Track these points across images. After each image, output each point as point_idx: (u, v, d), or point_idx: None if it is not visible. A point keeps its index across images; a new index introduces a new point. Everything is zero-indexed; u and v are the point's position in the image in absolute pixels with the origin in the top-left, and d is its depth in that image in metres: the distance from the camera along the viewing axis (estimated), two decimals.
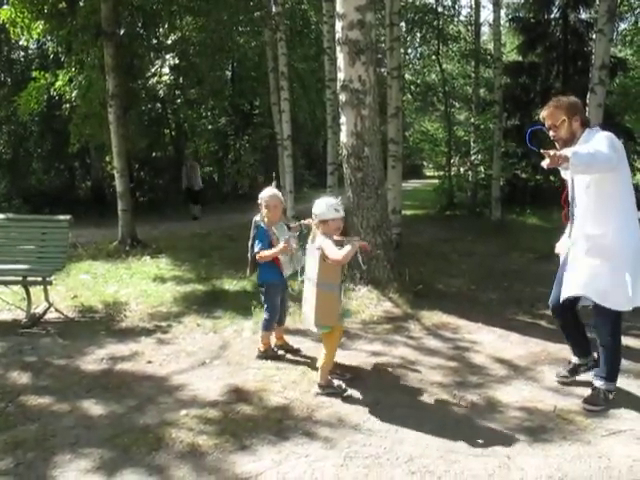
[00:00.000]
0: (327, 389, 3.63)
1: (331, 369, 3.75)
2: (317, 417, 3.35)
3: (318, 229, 3.62)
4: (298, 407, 3.47)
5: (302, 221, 4.19)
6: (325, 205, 3.58)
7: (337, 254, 3.43)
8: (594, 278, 3.32)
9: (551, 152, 3.01)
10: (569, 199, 3.56)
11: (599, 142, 3.21)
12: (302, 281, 3.81)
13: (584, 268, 3.37)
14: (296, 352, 4.39)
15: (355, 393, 3.67)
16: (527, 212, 13.27)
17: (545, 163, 3.04)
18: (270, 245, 4.09)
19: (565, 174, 3.57)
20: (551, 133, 3.49)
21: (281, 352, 4.39)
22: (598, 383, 3.49)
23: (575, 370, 3.82)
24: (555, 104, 3.46)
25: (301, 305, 3.88)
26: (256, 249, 4.09)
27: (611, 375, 3.47)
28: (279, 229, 4.17)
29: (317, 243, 3.57)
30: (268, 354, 4.29)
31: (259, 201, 4.18)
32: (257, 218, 4.19)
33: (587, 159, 3.03)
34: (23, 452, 2.98)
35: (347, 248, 3.46)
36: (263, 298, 4.30)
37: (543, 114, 3.52)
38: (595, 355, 3.71)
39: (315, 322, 3.58)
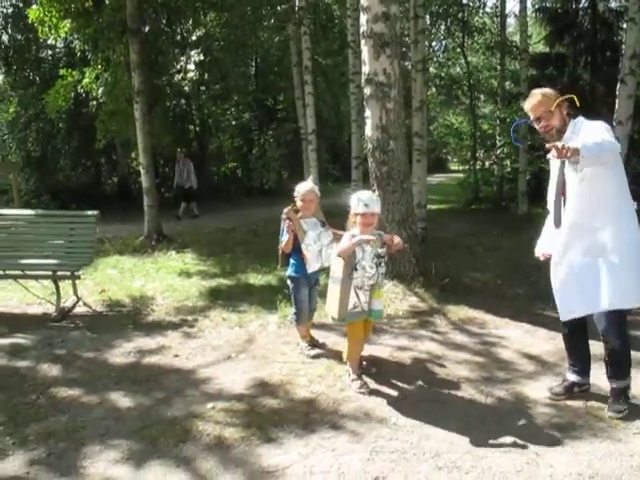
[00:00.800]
0: (354, 382, 3.64)
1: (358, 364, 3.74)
2: (343, 411, 3.35)
3: (353, 223, 3.62)
4: (324, 401, 3.48)
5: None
6: (356, 199, 3.55)
7: (339, 246, 3.51)
8: (611, 285, 3.08)
9: (558, 144, 2.81)
10: (555, 196, 3.31)
11: (598, 130, 3.05)
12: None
13: (598, 276, 3.11)
14: (322, 346, 4.38)
15: (381, 387, 3.65)
16: (540, 205, 13.07)
17: (552, 155, 2.84)
18: (294, 238, 4.05)
19: (554, 167, 3.33)
20: (542, 124, 3.24)
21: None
22: (615, 384, 3.27)
23: (570, 388, 3.48)
24: (543, 92, 3.26)
25: (325, 300, 3.87)
26: (283, 238, 4.08)
27: (626, 371, 3.26)
28: (310, 224, 4.10)
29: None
30: (310, 343, 4.32)
31: (295, 194, 4.14)
32: (286, 210, 4.09)
33: (597, 150, 2.84)
34: (55, 442, 3.04)
35: (344, 243, 3.49)
36: (290, 292, 4.31)
37: (532, 103, 3.26)
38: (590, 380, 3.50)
39: (326, 312, 3.79)
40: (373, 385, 3.69)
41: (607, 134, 3.02)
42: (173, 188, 14.92)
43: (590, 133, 3.03)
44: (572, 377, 3.50)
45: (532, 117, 3.29)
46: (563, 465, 2.76)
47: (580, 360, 3.48)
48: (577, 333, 3.45)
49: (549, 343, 4.42)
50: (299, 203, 4.09)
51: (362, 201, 3.52)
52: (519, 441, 2.98)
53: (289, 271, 4.22)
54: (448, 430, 3.11)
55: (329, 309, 3.69)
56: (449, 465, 2.77)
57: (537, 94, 3.26)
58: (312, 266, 4.12)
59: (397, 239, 3.66)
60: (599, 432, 3.05)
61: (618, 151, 3.00)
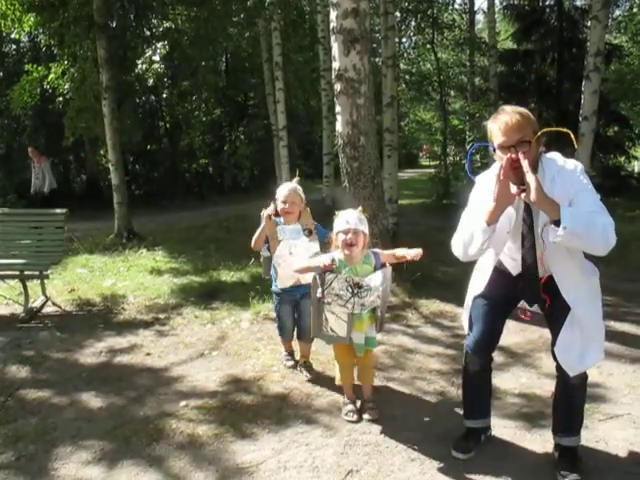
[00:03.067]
0: (344, 407, 3.29)
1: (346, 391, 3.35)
2: (317, 405, 3.37)
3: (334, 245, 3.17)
4: (298, 396, 3.49)
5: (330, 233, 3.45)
6: (341, 216, 3.08)
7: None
8: (587, 344, 2.56)
9: (535, 185, 2.25)
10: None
11: (593, 201, 2.36)
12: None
13: (577, 334, 2.54)
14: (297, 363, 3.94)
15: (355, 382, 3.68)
16: None
17: (532, 198, 2.27)
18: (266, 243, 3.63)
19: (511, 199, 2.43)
20: (517, 156, 2.33)
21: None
22: (573, 441, 2.73)
23: (478, 439, 2.91)
24: (522, 112, 2.42)
25: None
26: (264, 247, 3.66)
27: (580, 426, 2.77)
28: (291, 232, 3.58)
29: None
30: (291, 356, 3.97)
31: (276, 195, 3.65)
32: (266, 211, 3.62)
33: (584, 228, 2.24)
34: (24, 445, 2.99)
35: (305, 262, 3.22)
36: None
37: (509, 124, 2.37)
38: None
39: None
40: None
41: (603, 211, 2.34)
42: (30, 194, 11.95)
43: (587, 201, 2.35)
44: (476, 423, 2.93)
45: (504, 141, 2.40)
46: (532, 453, 2.83)
47: (487, 400, 2.97)
48: (488, 373, 2.95)
49: (518, 335, 4.50)
50: (280, 206, 3.58)
51: (344, 217, 3.05)
52: (490, 431, 3.03)
53: (272, 284, 3.79)
54: (421, 422, 3.15)
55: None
56: (421, 457, 2.81)
57: (517, 113, 2.40)
58: (283, 282, 3.62)
59: (415, 251, 3.13)
60: None
61: (609, 244, 2.29)
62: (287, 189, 3.62)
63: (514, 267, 2.68)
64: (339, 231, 3.04)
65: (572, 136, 2.46)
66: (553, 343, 2.64)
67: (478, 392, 2.93)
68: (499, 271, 2.75)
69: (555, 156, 2.54)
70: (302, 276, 3.47)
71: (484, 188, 2.59)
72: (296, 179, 3.77)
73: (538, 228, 2.49)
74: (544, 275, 2.59)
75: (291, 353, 4.00)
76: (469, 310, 2.86)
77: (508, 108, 2.46)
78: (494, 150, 2.48)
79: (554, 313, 2.62)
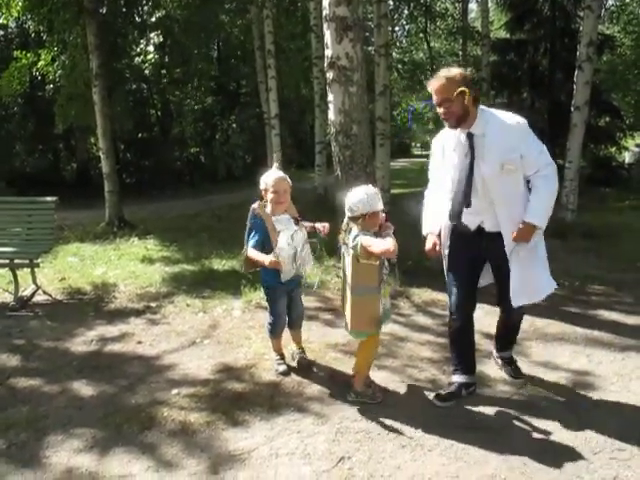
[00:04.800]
0: (361, 396, 3.27)
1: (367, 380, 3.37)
2: (308, 393, 3.38)
3: (355, 225, 3.11)
4: (289, 384, 3.50)
5: (317, 225, 3.60)
6: (367, 196, 3.03)
7: (384, 244, 2.95)
8: (535, 279, 3.19)
9: (515, 234, 3.02)
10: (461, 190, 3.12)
11: (538, 154, 3.04)
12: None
13: (527, 270, 3.14)
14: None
15: (346, 370, 3.69)
16: None
17: (517, 241, 3.04)
18: (266, 239, 3.40)
19: (454, 164, 3.13)
20: (441, 110, 3.01)
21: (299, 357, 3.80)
22: (508, 355, 3.63)
23: (459, 392, 3.28)
24: (447, 74, 2.97)
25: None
26: (250, 243, 3.43)
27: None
28: (283, 222, 3.43)
29: (354, 241, 3.06)
30: (282, 357, 3.78)
31: (262, 186, 3.45)
32: (255, 206, 3.44)
33: (549, 208, 3.11)
34: (15, 433, 2.98)
35: (389, 239, 2.99)
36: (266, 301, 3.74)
37: (434, 86, 2.99)
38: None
39: (350, 329, 3.20)
40: (337, 366, 3.73)
41: (547, 155, 3.10)
42: None
43: (534, 154, 3.03)
44: (461, 378, 3.32)
45: (434, 100, 3.05)
46: (522, 440, 2.85)
47: (472, 356, 3.41)
48: (471, 327, 3.42)
49: None
50: (270, 196, 3.40)
51: (372, 198, 3.03)
52: (481, 418, 3.07)
53: (264, 279, 3.58)
54: (412, 409, 3.17)
55: (352, 324, 3.17)
56: (412, 443, 2.84)
57: (441, 77, 2.98)
58: (287, 274, 3.44)
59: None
60: (556, 408, 3.16)
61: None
62: (277, 178, 3.42)
63: (472, 223, 3.19)
64: (371, 213, 3.04)
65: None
66: (502, 285, 3.23)
67: (462, 348, 3.36)
68: (459, 231, 3.23)
69: (496, 111, 3.09)
70: (300, 266, 3.46)
71: (437, 145, 3.26)
72: (276, 165, 3.69)
73: (478, 185, 3.07)
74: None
75: (282, 356, 3.78)
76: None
77: (440, 73, 3.03)
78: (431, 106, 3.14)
79: (501, 258, 3.16)
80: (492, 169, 3.00)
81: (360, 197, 3.04)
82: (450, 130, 3.12)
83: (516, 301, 3.16)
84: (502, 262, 3.16)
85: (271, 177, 3.43)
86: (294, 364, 3.76)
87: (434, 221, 3.35)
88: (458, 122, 3.01)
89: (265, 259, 3.31)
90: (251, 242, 3.43)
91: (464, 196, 3.11)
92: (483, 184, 3.05)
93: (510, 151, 2.96)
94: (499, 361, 3.68)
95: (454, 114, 2.98)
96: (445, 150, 3.20)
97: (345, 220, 3.18)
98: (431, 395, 3.27)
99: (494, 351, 3.73)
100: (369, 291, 3.09)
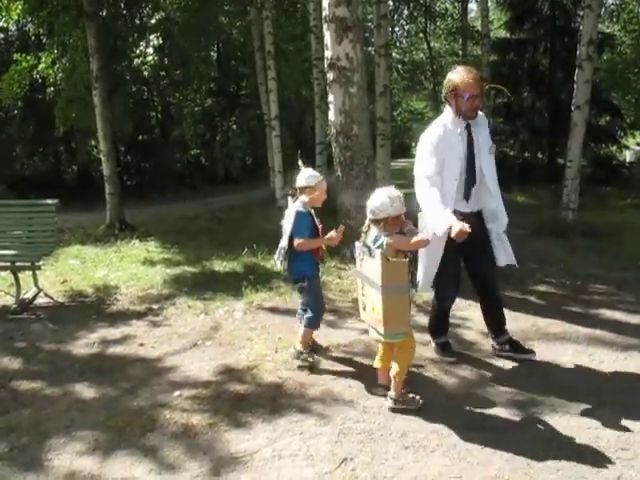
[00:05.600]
0: (400, 403, 3.17)
1: (388, 382, 3.29)
2: (310, 394, 3.37)
3: (377, 227, 3.10)
4: (291, 385, 3.49)
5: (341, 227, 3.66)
6: (389, 199, 3.04)
7: (416, 240, 3.03)
8: (509, 248, 3.72)
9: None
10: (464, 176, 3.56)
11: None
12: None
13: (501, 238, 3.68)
14: (326, 350, 3.97)
15: (348, 370, 3.69)
16: (515, 190, 13.33)
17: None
18: (315, 234, 3.63)
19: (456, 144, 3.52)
20: (476, 102, 3.47)
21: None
22: (505, 338, 3.92)
23: (450, 346, 3.95)
24: (477, 73, 3.51)
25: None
26: (305, 235, 3.56)
27: None
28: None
29: (377, 242, 3.05)
30: (312, 350, 3.83)
31: (302, 184, 3.60)
32: (300, 208, 3.58)
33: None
34: (17, 437, 2.98)
35: (420, 235, 3.08)
36: (305, 294, 3.76)
37: (476, 79, 3.43)
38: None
39: (385, 331, 3.06)
40: (339, 367, 3.72)
41: None
42: None
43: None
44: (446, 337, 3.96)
45: (474, 92, 3.41)
46: (525, 440, 2.84)
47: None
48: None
49: (511, 323, 4.48)
50: (315, 193, 3.60)
51: (395, 200, 3.05)
52: (482, 419, 3.06)
53: (304, 270, 3.68)
54: (414, 410, 3.16)
55: (387, 325, 3.04)
56: (415, 444, 2.83)
57: (477, 73, 3.49)
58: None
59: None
60: (558, 408, 3.15)
61: None
62: (321, 179, 3.67)
63: (474, 205, 3.64)
64: (395, 215, 3.06)
65: (505, 90, 3.89)
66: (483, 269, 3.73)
67: (445, 320, 3.96)
68: (462, 217, 3.41)
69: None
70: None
71: (437, 138, 3.50)
72: (310, 169, 3.79)
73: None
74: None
75: (313, 346, 3.88)
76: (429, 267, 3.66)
77: (471, 69, 3.50)
78: (467, 98, 3.41)
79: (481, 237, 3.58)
80: (485, 153, 3.57)
81: (382, 200, 3.05)
82: (444, 125, 3.52)
83: (501, 261, 3.68)
84: (487, 241, 3.65)
85: (317, 178, 3.65)
86: (298, 362, 3.75)
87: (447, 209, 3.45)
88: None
89: (330, 234, 3.60)
90: (305, 235, 3.57)
91: (472, 179, 3.57)
92: (480, 168, 3.56)
93: (489, 136, 3.64)
94: (498, 346, 3.88)
95: (479, 107, 3.51)
96: (448, 142, 3.49)
97: (366, 222, 3.19)
98: (443, 359, 3.81)
99: (492, 341, 3.95)
100: (400, 290, 3.03)
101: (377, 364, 3.39)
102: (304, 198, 3.61)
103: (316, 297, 3.75)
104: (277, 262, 3.74)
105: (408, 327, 3.17)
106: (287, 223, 3.64)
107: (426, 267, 3.67)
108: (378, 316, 3.06)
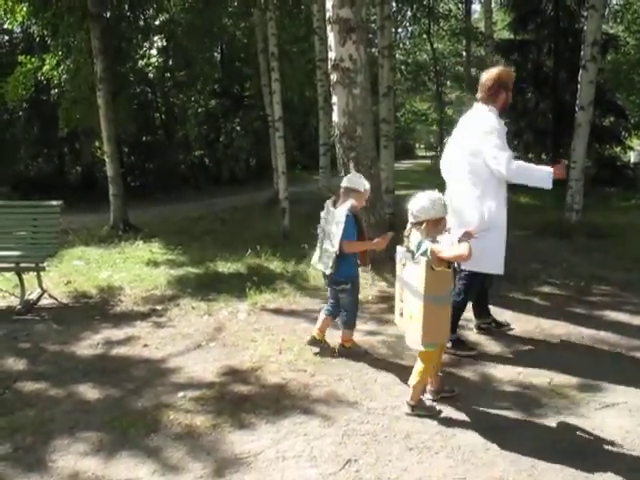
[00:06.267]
0: (418, 409, 3.13)
1: (437, 387, 3.30)
2: (314, 396, 3.37)
3: (419, 230, 3.07)
4: (295, 386, 3.49)
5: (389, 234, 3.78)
6: (430, 202, 3.02)
7: (458, 249, 2.93)
8: None
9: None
10: None
11: None
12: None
13: None
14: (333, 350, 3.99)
15: (352, 372, 3.69)
16: (519, 191, 13.29)
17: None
18: (362, 237, 3.75)
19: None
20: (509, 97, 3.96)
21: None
22: (489, 320, 4.45)
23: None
24: None
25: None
26: (353, 238, 3.68)
27: None
28: None
29: (420, 247, 3.00)
30: (355, 351, 3.94)
31: (353, 187, 3.74)
32: (350, 212, 3.63)
33: None
34: (22, 437, 2.98)
35: (464, 244, 2.96)
36: (345, 295, 3.83)
37: (512, 78, 3.95)
38: None
39: (423, 340, 2.95)
40: (343, 369, 3.72)
41: None
42: None
43: None
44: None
45: (510, 89, 3.92)
46: (529, 441, 2.84)
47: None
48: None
49: (515, 324, 4.51)
50: (363, 198, 3.79)
51: (439, 203, 3.04)
52: (487, 420, 3.05)
53: (349, 272, 3.78)
54: (418, 411, 3.16)
55: (425, 335, 2.94)
56: (419, 446, 2.83)
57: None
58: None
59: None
60: (563, 409, 3.15)
61: None
62: (367, 183, 3.84)
63: None
64: (439, 218, 3.08)
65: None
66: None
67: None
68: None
69: None
70: None
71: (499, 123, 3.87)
72: (358, 174, 4.03)
73: None
74: None
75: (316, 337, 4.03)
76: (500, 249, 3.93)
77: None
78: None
79: None
80: None
81: (424, 203, 3.04)
82: (497, 117, 3.88)
83: None
84: None
85: (362, 180, 3.83)
86: (302, 366, 3.75)
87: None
88: None
89: (377, 240, 3.74)
90: (353, 238, 3.68)
91: None
92: None
93: None
94: (483, 325, 4.34)
95: None
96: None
97: (408, 226, 3.16)
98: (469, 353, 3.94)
99: (475, 322, 4.40)
100: (442, 300, 2.95)
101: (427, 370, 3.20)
102: (353, 202, 3.68)
103: (355, 299, 3.88)
104: (319, 265, 3.85)
105: (446, 339, 3.16)
106: (331, 226, 3.70)
107: (497, 250, 3.92)
108: (417, 324, 2.97)
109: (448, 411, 3.15)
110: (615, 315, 4.70)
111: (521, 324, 4.51)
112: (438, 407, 3.17)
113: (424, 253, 2.95)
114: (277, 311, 5.01)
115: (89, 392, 3.51)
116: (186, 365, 3.88)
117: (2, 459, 2.79)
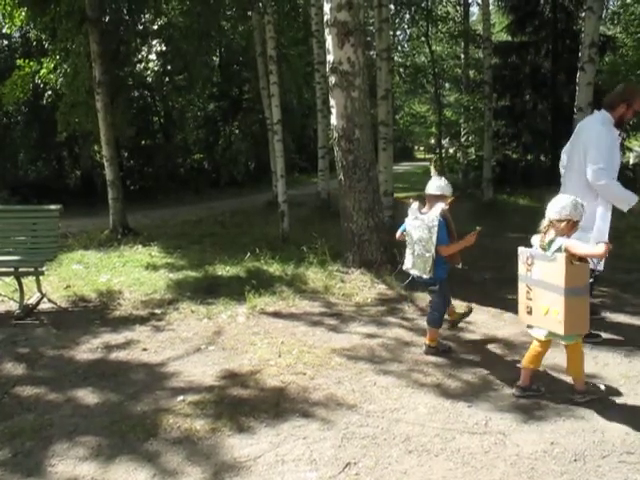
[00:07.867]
0: (587, 395, 3.28)
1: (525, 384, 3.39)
2: (314, 399, 3.36)
3: (556, 229, 3.22)
4: (294, 390, 3.49)
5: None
6: (574, 203, 3.19)
7: (595, 249, 3.18)
8: None
9: None
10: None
11: None
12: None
13: None
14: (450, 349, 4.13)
15: (351, 374, 3.68)
16: (518, 193, 13.30)
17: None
18: (452, 238, 3.87)
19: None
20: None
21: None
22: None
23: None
24: None
25: None
26: (443, 246, 3.79)
27: None
28: None
29: (553, 245, 3.18)
30: (440, 348, 4.04)
31: (441, 192, 3.87)
32: (441, 217, 3.76)
33: None
34: (21, 442, 2.97)
35: (602, 244, 3.14)
36: (434, 296, 4.01)
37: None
38: None
39: (566, 332, 3.10)
40: (342, 371, 3.71)
41: None
42: None
43: None
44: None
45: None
46: (529, 444, 2.83)
47: None
48: None
49: (515, 326, 4.50)
50: (449, 202, 3.88)
51: (576, 205, 3.21)
52: (486, 422, 3.05)
53: (441, 274, 3.90)
54: (417, 414, 3.16)
55: (568, 327, 3.09)
56: (419, 448, 2.82)
57: None
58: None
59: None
60: (563, 411, 3.14)
61: None
62: (451, 187, 3.95)
63: None
64: (576, 220, 3.22)
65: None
66: None
67: None
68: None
69: None
70: None
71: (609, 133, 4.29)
72: (441, 178, 4.02)
73: None
74: None
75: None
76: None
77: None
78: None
79: None
80: None
81: (568, 203, 3.20)
82: (612, 129, 4.30)
83: None
84: None
85: (451, 187, 3.94)
86: (302, 370, 3.75)
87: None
88: None
89: (467, 237, 3.85)
90: (446, 241, 3.82)
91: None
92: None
93: None
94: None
95: None
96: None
97: (543, 223, 3.30)
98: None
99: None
100: (582, 292, 3.15)
101: (528, 364, 3.37)
102: (444, 206, 3.77)
103: (445, 299, 4.06)
104: (413, 270, 3.94)
105: (587, 328, 3.27)
106: (421, 232, 3.83)
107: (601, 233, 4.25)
108: (558, 317, 3.11)
109: (447, 413, 3.15)
110: (615, 316, 4.70)
111: (521, 326, 4.48)
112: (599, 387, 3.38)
113: (559, 249, 3.12)
114: (276, 314, 5.01)
115: (88, 396, 3.51)
116: (185, 369, 3.88)
117: (1, 464, 2.78)
